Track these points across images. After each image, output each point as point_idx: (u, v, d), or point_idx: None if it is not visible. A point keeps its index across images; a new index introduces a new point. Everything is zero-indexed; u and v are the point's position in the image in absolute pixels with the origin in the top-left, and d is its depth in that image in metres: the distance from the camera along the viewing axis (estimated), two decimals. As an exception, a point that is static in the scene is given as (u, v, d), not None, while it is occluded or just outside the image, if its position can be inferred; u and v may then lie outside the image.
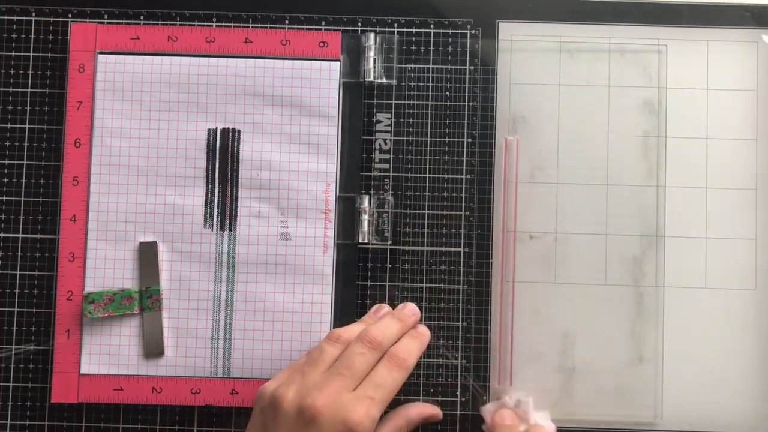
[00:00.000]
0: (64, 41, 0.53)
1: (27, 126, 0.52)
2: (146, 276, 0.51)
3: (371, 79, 0.52)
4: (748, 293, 0.52)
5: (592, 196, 0.52)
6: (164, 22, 0.53)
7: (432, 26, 0.53)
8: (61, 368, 0.51)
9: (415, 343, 0.47)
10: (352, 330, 0.47)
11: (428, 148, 0.52)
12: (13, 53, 0.53)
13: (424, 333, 0.49)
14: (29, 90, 0.53)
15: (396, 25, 0.53)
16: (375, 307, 0.51)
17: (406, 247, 0.52)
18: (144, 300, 0.51)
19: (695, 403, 0.51)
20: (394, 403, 0.49)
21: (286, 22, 0.53)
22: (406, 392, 0.51)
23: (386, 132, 0.53)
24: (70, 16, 0.53)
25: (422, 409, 0.50)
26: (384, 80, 0.52)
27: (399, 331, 0.48)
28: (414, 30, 0.53)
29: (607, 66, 0.53)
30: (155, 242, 0.51)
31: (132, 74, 0.52)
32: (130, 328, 0.51)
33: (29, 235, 0.52)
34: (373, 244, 0.52)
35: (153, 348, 0.51)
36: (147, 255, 0.51)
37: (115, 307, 0.50)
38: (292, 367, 0.47)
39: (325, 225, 0.51)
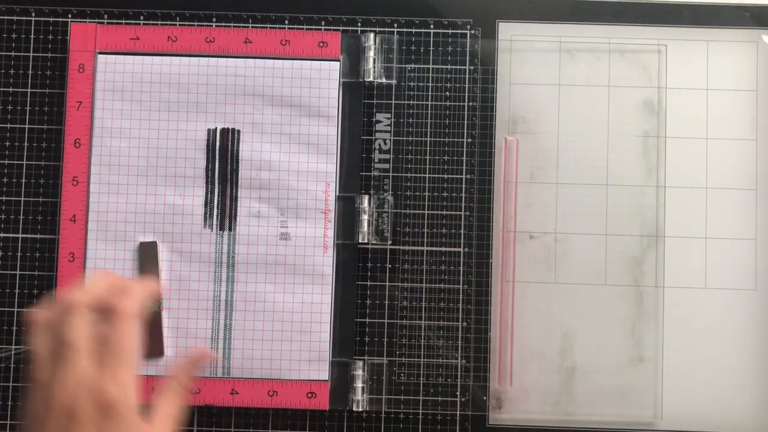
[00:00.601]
0: (64, 41, 0.53)
1: (27, 126, 0.52)
2: (146, 276, 0.51)
3: (371, 79, 0.52)
4: (748, 293, 0.52)
5: (592, 196, 0.52)
6: (164, 22, 0.53)
7: (432, 26, 0.53)
8: (61, 368, 0.51)
9: (135, 285, 0.39)
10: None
11: (428, 148, 0.52)
12: (13, 53, 0.53)
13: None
14: (29, 90, 0.53)
15: (396, 25, 0.53)
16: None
17: (406, 247, 0.52)
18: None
19: (695, 403, 0.51)
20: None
21: (286, 22, 0.53)
22: (406, 392, 0.51)
23: (386, 132, 0.53)
24: (69, 16, 0.53)
25: (186, 363, 0.43)
26: (384, 80, 0.52)
27: (104, 276, 0.40)
28: (414, 30, 0.53)
29: (606, 66, 0.53)
30: (155, 242, 0.51)
31: (132, 74, 0.52)
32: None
33: (29, 235, 0.52)
34: (373, 244, 0.52)
35: (153, 348, 0.51)
36: (147, 255, 0.51)
37: None
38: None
39: (325, 225, 0.51)
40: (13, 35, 0.53)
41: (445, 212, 0.52)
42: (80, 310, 0.38)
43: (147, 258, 0.51)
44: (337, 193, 0.52)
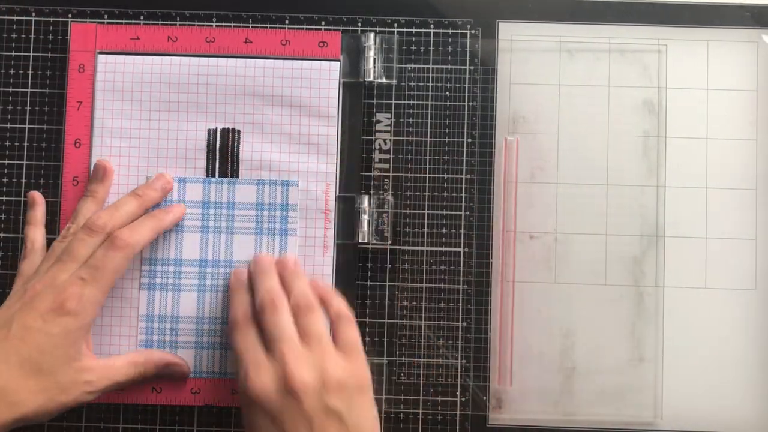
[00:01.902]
0: (64, 41, 0.53)
1: (27, 126, 0.52)
2: None
3: (371, 79, 0.52)
4: (748, 293, 0.52)
5: (592, 196, 0.52)
6: (164, 22, 0.53)
7: (432, 26, 0.53)
8: (61, 368, 0.51)
9: (146, 223, 0.48)
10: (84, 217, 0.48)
11: (428, 148, 0.52)
12: (13, 53, 0.53)
13: (169, 212, 0.50)
14: (29, 90, 0.53)
15: (396, 25, 0.53)
16: (156, 175, 0.51)
17: (406, 247, 0.52)
18: None
19: (695, 403, 0.51)
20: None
21: (286, 22, 0.53)
22: (406, 392, 0.51)
23: (386, 132, 0.53)
24: (70, 16, 0.53)
25: (164, 356, 0.49)
26: (384, 80, 0.53)
27: (135, 209, 0.49)
28: (414, 30, 0.53)
29: (607, 66, 0.53)
30: None
31: (132, 74, 0.52)
32: (129, 328, 0.51)
33: (29, 235, 0.52)
34: (373, 244, 0.52)
35: None
36: None
37: None
38: (50, 253, 0.48)
39: (325, 225, 0.51)
40: (13, 35, 0.53)
41: (445, 212, 0.52)
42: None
43: None
44: (337, 193, 0.52)
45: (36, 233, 0.50)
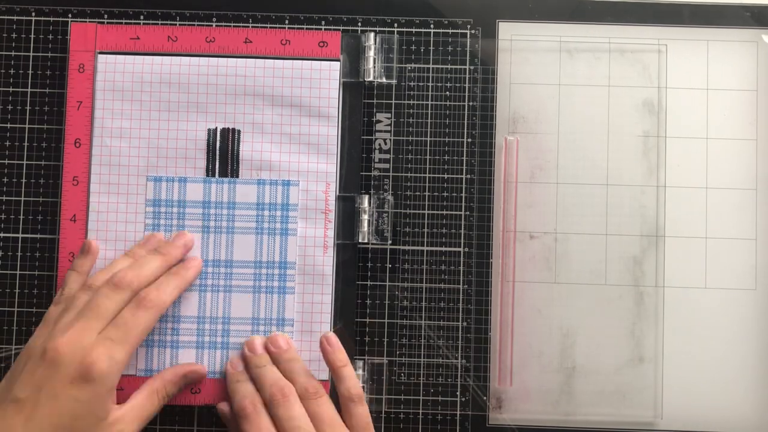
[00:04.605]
0: (64, 41, 0.53)
1: (27, 126, 0.52)
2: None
3: (371, 78, 0.52)
4: (748, 293, 0.52)
5: (592, 196, 0.52)
6: (164, 22, 0.53)
7: (432, 26, 0.53)
8: (61, 368, 0.51)
9: (171, 281, 0.48)
10: (110, 269, 0.48)
11: (428, 148, 0.52)
12: (13, 53, 0.53)
13: (190, 267, 0.49)
14: (29, 90, 0.53)
15: (396, 25, 0.53)
16: (146, 236, 0.51)
17: (406, 247, 0.52)
18: None
19: (695, 403, 0.51)
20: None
21: (286, 22, 0.53)
22: (406, 392, 0.51)
23: (386, 132, 0.53)
24: (70, 16, 0.53)
25: (177, 369, 0.49)
26: (384, 80, 0.52)
27: (158, 268, 0.48)
28: (414, 30, 0.53)
29: (607, 66, 0.53)
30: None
31: (132, 74, 0.52)
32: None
33: (29, 235, 0.52)
34: (373, 244, 0.52)
35: None
36: None
37: None
38: (44, 322, 0.47)
39: (325, 225, 0.51)
40: (13, 35, 0.53)
41: (445, 212, 0.52)
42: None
43: None
44: (337, 193, 0.52)
45: (75, 283, 0.49)
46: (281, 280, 0.51)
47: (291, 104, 0.52)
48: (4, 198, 0.52)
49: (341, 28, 0.53)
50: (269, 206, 0.51)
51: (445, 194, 0.52)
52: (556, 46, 0.53)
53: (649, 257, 0.52)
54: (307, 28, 0.53)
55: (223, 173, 0.52)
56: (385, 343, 0.52)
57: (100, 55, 0.52)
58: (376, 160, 0.52)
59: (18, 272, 0.52)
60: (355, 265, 0.52)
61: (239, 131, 0.52)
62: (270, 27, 0.53)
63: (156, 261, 0.48)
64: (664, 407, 0.51)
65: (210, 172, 0.52)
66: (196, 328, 0.51)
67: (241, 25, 0.53)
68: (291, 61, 0.52)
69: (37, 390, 0.42)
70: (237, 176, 0.52)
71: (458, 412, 0.51)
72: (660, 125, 0.52)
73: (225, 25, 0.53)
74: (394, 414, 0.51)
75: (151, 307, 0.46)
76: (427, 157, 0.52)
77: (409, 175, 0.52)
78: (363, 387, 0.51)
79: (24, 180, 0.52)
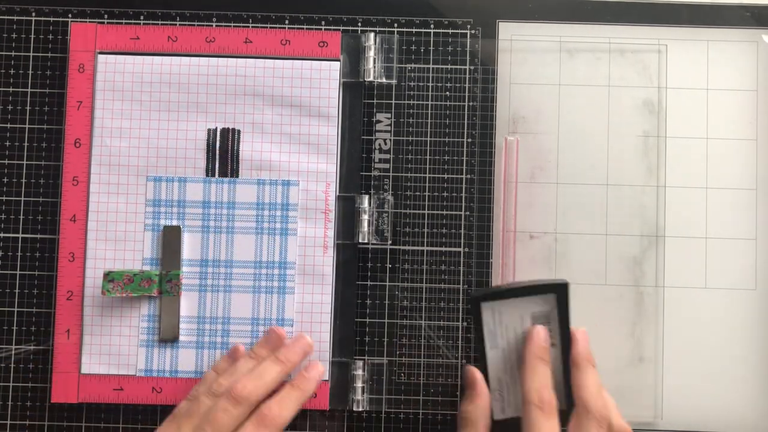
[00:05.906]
0: (64, 41, 0.53)
1: (27, 126, 0.52)
2: (167, 260, 0.51)
3: (371, 78, 0.52)
4: (748, 293, 0.52)
5: (592, 196, 0.52)
6: (164, 22, 0.53)
7: (432, 26, 0.53)
8: (61, 368, 0.51)
9: (292, 396, 0.47)
10: (233, 372, 0.47)
11: (428, 148, 0.52)
12: (13, 53, 0.53)
13: (310, 379, 0.49)
14: (29, 90, 0.53)
15: (396, 25, 0.53)
16: (268, 330, 0.50)
17: (406, 247, 0.52)
18: (163, 284, 0.51)
19: (695, 403, 0.51)
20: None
21: (286, 22, 0.53)
22: (406, 392, 0.51)
23: (386, 132, 0.53)
24: (70, 16, 0.53)
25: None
26: (384, 80, 0.52)
27: (278, 376, 0.47)
28: (414, 30, 0.53)
29: (607, 66, 0.53)
30: (179, 227, 0.51)
31: (132, 74, 0.52)
32: (130, 328, 0.51)
33: (29, 235, 0.52)
34: (373, 244, 0.52)
35: (168, 332, 0.50)
36: (170, 239, 0.51)
37: (134, 288, 0.50)
38: (172, 417, 0.46)
39: (325, 225, 0.51)
40: (13, 35, 0.53)
41: (445, 212, 0.52)
42: None
43: (170, 242, 0.51)
44: (337, 193, 0.52)
45: (207, 384, 0.47)
46: (281, 280, 0.51)
47: (291, 104, 0.52)
48: (4, 198, 0.52)
49: (341, 28, 0.53)
50: (269, 206, 0.51)
51: (445, 194, 0.52)
52: (556, 46, 0.53)
53: (649, 257, 0.52)
54: (307, 28, 0.53)
55: (223, 173, 0.52)
56: (385, 343, 0.51)
57: (100, 55, 0.52)
58: (376, 160, 0.52)
59: (18, 272, 0.52)
60: (355, 265, 0.52)
61: (239, 131, 0.52)
62: (270, 27, 0.53)
63: (274, 370, 0.47)
64: (664, 407, 0.51)
65: (210, 172, 0.52)
66: (196, 328, 0.51)
67: (241, 25, 0.53)
68: (291, 61, 0.52)
69: None
70: (237, 176, 0.52)
71: (458, 412, 0.51)
72: (660, 125, 0.52)
73: (225, 25, 0.53)
74: (394, 414, 0.51)
75: (273, 426, 0.45)
76: (427, 157, 0.52)
77: (409, 175, 0.52)
78: (363, 387, 0.51)
79: (24, 180, 0.52)
